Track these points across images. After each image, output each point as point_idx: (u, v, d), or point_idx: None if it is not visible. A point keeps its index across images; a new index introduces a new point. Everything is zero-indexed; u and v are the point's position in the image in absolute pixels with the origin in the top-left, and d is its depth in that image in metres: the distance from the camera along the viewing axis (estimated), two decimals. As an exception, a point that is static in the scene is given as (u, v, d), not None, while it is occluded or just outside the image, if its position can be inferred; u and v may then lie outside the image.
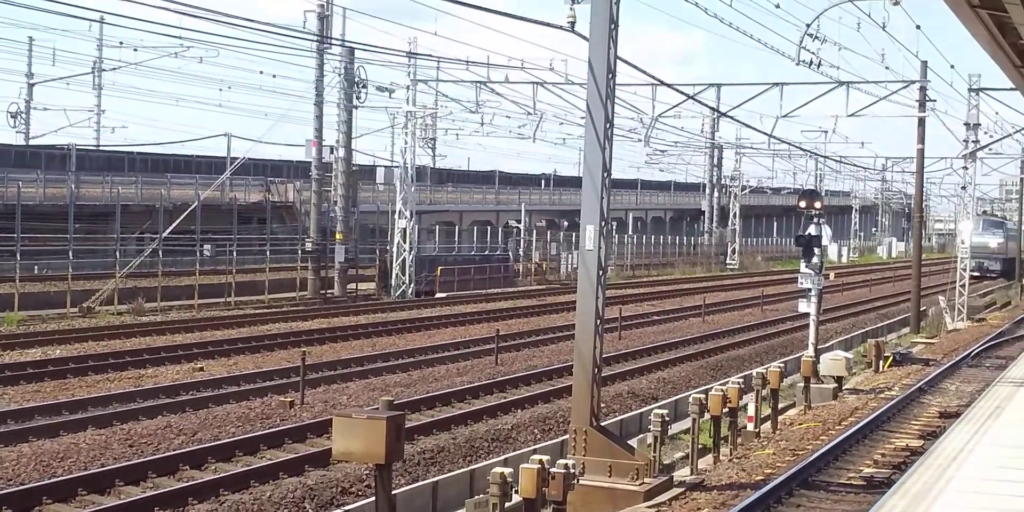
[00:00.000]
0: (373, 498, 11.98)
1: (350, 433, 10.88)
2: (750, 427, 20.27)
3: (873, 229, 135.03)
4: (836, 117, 44.03)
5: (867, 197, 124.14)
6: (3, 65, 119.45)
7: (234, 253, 43.73)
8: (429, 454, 17.82)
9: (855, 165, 79.92)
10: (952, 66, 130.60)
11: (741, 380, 20.04)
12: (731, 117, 38.51)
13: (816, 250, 24.97)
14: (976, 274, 68.67)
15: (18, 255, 35.74)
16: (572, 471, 13.53)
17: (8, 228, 37.34)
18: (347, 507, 13.93)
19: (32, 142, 69.76)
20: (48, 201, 47.57)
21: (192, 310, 37.87)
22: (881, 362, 29.20)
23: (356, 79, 46.63)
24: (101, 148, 71.07)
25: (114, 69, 69.11)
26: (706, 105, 49.09)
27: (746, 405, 20.35)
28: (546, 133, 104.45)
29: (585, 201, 15.65)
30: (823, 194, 36.72)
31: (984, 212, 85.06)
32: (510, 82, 45.35)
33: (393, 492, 11.60)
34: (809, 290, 25.38)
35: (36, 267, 41.43)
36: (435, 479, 15.70)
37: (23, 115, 71.47)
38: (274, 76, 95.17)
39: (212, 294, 40.74)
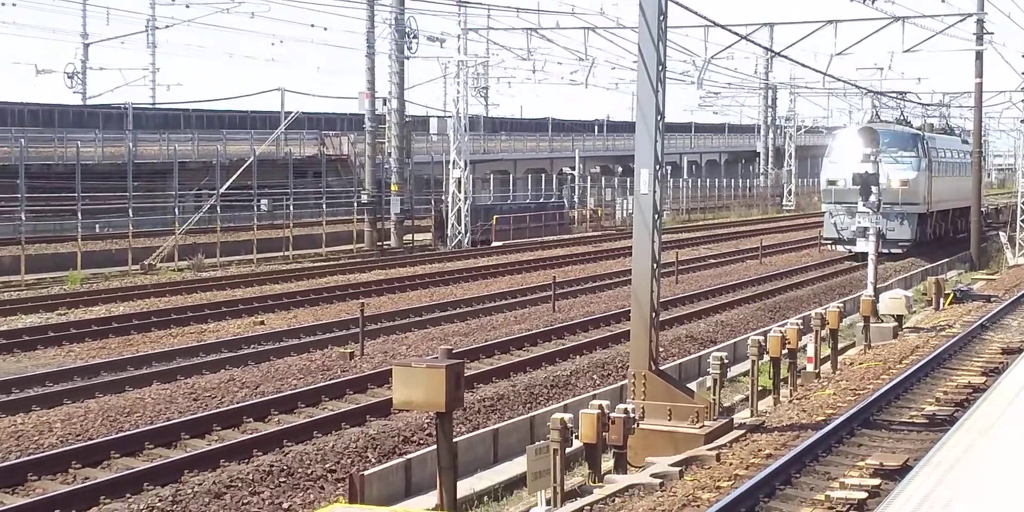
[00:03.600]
0: (435, 446, 12.09)
1: (410, 382, 10.96)
2: (810, 368, 20.22)
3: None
4: (892, 53, 43.42)
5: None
6: (59, 25, 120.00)
7: (291, 207, 43.95)
8: (489, 402, 17.93)
9: (912, 101, 78.49)
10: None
11: (800, 321, 19.99)
12: (785, 56, 38.06)
13: (874, 188, 24.74)
14: (856, 250, 39.28)
15: (79, 214, 36.12)
16: (632, 415, 13.62)
17: (69, 188, 37.74)
18: (409, 456, 14.06)
19: (89, 102, 70.34)
20: (107, 160, 47.99)
21: (251, 265, 38.18)
22: (942, 300, 28.97)
23: (407, 30, 46.47)
24: (157, 106, 71.50)
25: (167, 27, 69.40)
26: (759, 45, 48.50)
27: (805, 346, 20.31)
28: (598, 78, 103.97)
29: (639, 145, 15.59)
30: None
31: (898, 120, 48.89)
32: (561, 28, 45.09)
33: (454, 440, 11.69)
34: (867, 229, 25.18)
35: (97, 226, 41.88)
36: (495, 426, 15.82)
37: (80, 75, 72.02)
38: (325, 29, 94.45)
39: (270, 248, 41.05)
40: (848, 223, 39.59)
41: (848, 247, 40.95)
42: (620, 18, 46.08)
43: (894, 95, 64.06)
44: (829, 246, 42.75)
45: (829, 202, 41.73)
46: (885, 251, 37.84)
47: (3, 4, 55.31)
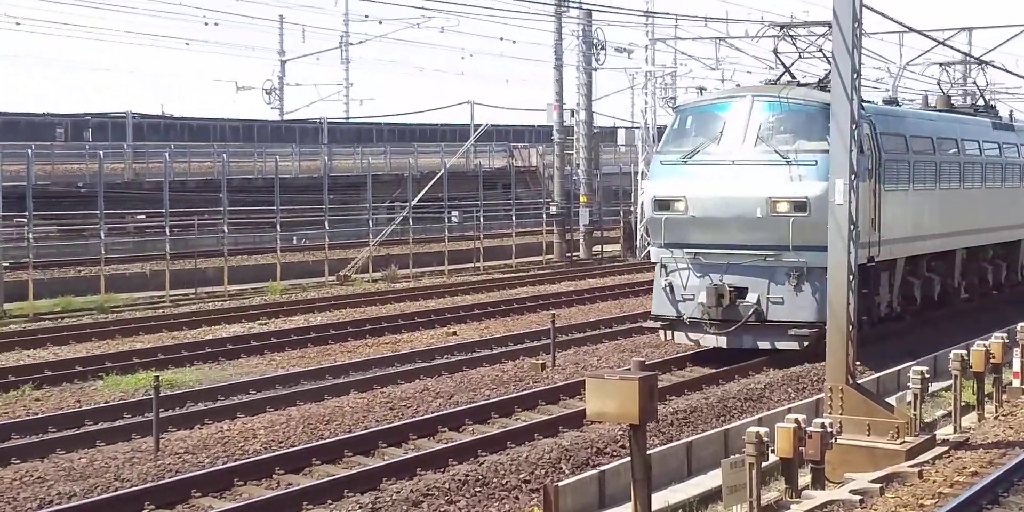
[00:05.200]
0: (628, 458, 12.06)
1: (603, 394, 10.97)
2: (1016, 383, 19.49)
3: None
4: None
5: None
6: (258, 44, 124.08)
7: (480, 219, 44.50)
8: (682, 414, 17.79)
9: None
10: None
11: (1005, 334, 19.30)
12: (986, 61, 36.81)
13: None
14: (706, 344, 21.25)
15: (278, 227, 37.25)
16: (829, 430, 13.35)
17: (268, 201, 38.96)
18: (603, 467, 14.06)
19: (287, 117, 72.55)
20: (303, 174, 49.45)
21: (443, 276, 38.75)
22: None
23: (594, 41, 46.58)
24: (351, 120, 73.32)
25: (360, 42, 71.17)
26: (957, 50, 47.06)
27: (1011, 360, 19.59)
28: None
29: (834, 155, 15.35)
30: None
31: (821, 81, 22.64)
32: (750, 37, 44.56)
33: (648, 452, 11.64)
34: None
35: (295, 238, 43.14)
36: (689, 439, 15.68)
37: (277, 92, 74.33)
38: (514, 42, 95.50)
39: (461, 259, 41.61)
40: (696, 286, 20.82)
41: (693, 336, 21.26)
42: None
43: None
44: (660, 334, 21.93)
45: (660, 244, 21.44)
46: (766, 346, 20.75)
47: (205, 24, 57.43)
